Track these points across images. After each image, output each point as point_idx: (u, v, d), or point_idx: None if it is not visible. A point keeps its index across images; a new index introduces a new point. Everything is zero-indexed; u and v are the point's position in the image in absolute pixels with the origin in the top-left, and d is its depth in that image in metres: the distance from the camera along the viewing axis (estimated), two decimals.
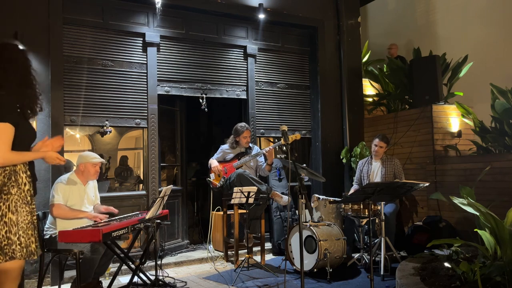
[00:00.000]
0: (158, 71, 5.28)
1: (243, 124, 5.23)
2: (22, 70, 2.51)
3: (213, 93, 5.71)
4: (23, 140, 2.49)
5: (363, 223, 4.62)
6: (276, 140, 6.21)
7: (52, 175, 4.38)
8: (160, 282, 3.83)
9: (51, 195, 3.69)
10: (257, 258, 4.93)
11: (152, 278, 3.78)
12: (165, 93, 5.38)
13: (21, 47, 2.57)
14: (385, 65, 6.83)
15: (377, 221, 4.64)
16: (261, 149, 5.19)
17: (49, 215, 3.71)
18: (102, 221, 3.61)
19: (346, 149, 6.16)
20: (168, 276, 4.35)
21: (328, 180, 5.64)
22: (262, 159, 5.21)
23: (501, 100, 5.13)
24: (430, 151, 5.56)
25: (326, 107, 6.31)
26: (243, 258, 4.62)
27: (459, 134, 5.69)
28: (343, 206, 4.70)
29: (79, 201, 3.78)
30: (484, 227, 3.66)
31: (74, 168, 4.02)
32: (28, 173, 2.50)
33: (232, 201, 4.55)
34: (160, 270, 4.09)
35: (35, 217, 2.50)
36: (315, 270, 4.25)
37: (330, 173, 6.05)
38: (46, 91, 4.51)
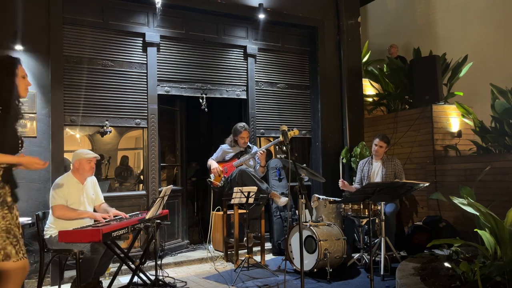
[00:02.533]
0: (158, 71, 5.28)
1: (242, 124, 5.22)
2: (4, 75, 2.48)
3: (213, 93, 5.71)
4: (3, 146, 2.43)
5: (363, 223, 4.62)
6: None
7: (52, 175, 4.37)
8: (160, 282, 3.83)
9: (51, 196, 3.68)
10: (257, 258, 4.93)
11: (152, 278, 3.78)
12: (165, 93, 5.38)
13: (7, 53, 2.55)
14: (385, 65, 6.83)
15: (377, 221, 4.64)
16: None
17: (49, 215, 3.70)
18: (104, 220, 3.61)
19: (346, 149, 6.15)
20: (168, 276, 4.35)
21: (328, 180, 5.64)
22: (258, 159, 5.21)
23: (501, 100, 5.13)
24: (430, 151, 5.56)
25: (326, 107, 6.30)
26: (243, 258, 4.62)
27: (459, 134, 5.69)
28: (343, 206, 4.70)
29: (78, 200, 3.77)
30: (484, 227, 3.66)
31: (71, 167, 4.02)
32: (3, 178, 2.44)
33: (232, 201, 4.56)
34: (160, 270, 4.08)
35: (10, 223, 2.39)
36: (315, 270, 4.25)
37: (330, 173, 6.05)
38: (46, 91, 4.52)
